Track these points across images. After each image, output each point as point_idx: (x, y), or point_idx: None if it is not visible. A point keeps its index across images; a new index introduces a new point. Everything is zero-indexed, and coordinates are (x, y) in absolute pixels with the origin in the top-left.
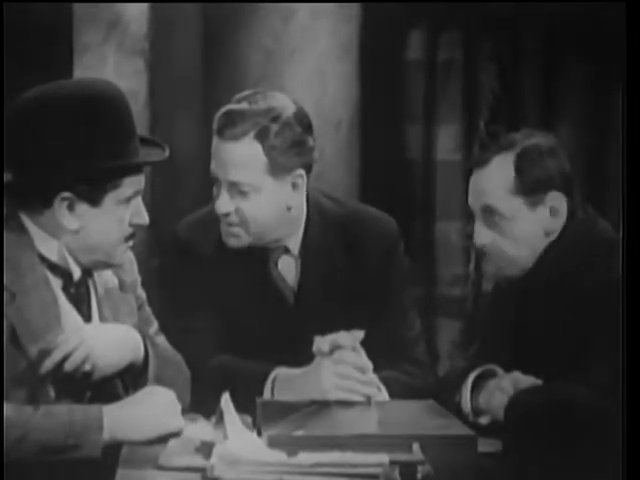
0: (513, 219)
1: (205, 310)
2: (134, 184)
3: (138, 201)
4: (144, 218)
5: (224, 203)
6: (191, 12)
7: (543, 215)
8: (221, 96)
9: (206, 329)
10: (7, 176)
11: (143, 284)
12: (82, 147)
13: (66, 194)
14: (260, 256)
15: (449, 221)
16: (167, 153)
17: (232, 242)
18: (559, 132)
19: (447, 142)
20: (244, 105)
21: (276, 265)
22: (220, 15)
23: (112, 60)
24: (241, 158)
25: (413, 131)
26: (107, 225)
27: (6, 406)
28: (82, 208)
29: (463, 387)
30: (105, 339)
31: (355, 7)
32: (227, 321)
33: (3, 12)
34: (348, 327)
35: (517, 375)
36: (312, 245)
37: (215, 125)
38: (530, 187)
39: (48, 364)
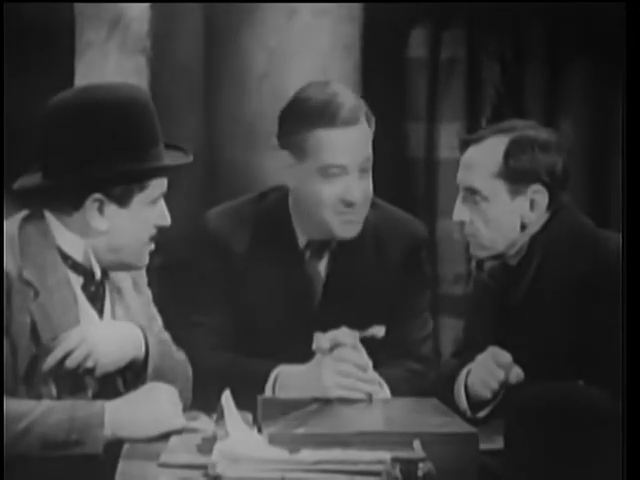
0: (491, 201)
1: (224, 304)
2: (159, 186)
3: (161, 203)
4: (167, 219)
5: (358, 189)
6: (193, 11)
7: (522, 206)
8: (223, 94)
9: (221, 324)
10: (35, 178)
11: (148, 283)
12: (112, 150)
13: (98, 195)
14: (294, 251)
15: (452, 219)
16: (191, 157)
17: (348, 231)
18: (561, 130)
19: (450, 140)
20: (329, 93)
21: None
22: (222, 13)
23: (114, 58)
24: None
25: (416, 129)
26: (134, 226)
27: (9, 400)
28: (111, 209)
29: (456, 384)
30: (107, 336)
31: (357, 6)
32: (249, 316)
33: (3, 11)
34: (365, 324)
35: (493, 349)
36: (345, 242)
37: (319, 115)
38: (514, 174)
39: (50, 361)
